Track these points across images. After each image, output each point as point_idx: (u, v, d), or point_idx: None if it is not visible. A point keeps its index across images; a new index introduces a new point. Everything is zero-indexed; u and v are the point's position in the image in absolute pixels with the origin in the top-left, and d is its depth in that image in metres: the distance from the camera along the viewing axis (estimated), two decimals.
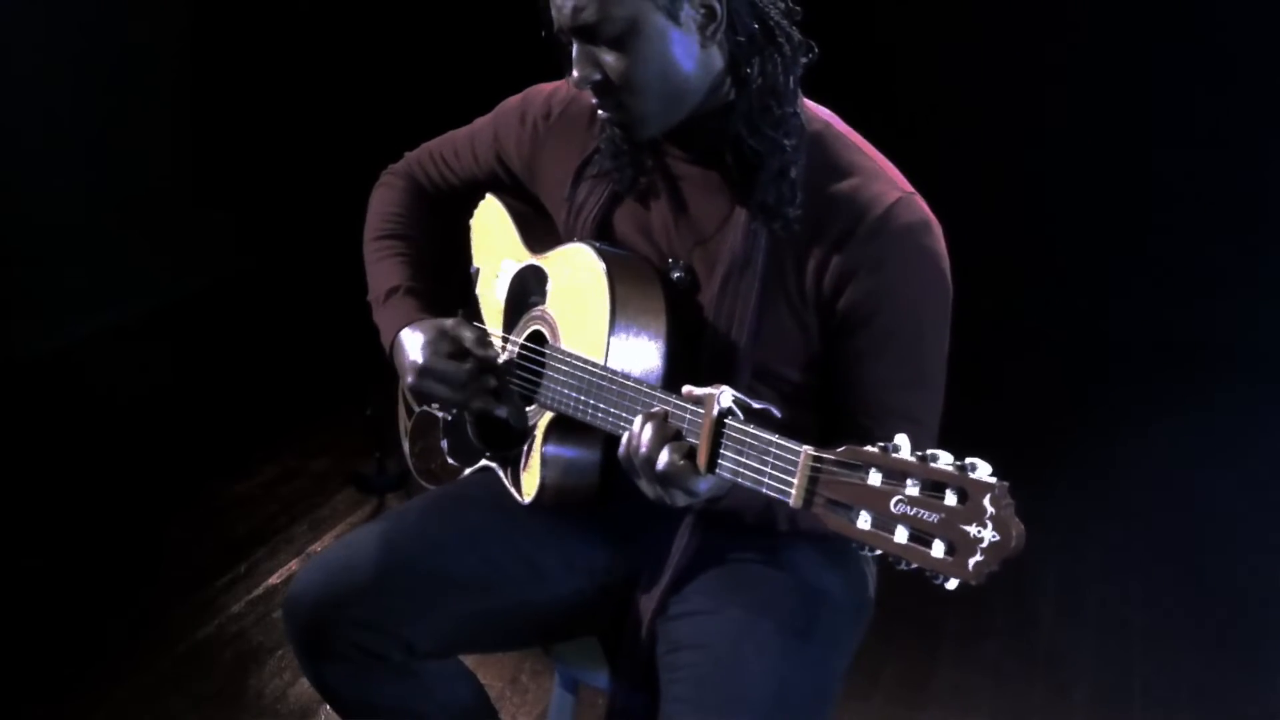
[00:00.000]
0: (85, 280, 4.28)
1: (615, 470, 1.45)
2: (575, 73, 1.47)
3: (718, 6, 1.43)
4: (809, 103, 1.54)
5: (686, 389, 1.36)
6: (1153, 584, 3.03)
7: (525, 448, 1.61)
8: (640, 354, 1.50)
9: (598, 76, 1.46)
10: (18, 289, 4.04)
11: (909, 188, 1.50)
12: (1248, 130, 4.32)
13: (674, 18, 1.42)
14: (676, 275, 1.57)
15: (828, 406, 1.56)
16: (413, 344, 1.65)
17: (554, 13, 1.46)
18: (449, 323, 1.66)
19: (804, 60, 1.48)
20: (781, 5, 1.47)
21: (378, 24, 5.20)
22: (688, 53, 1.44)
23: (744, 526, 1.55)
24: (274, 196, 5.04)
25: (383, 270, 1.80)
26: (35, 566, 2.94)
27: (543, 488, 1.58)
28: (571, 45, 1.48)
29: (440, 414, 1.80)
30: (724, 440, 1.31)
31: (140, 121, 4.54)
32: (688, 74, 1.45)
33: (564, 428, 1.56)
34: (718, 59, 1.47)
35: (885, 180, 1.48)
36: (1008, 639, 2.76)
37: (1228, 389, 4.01)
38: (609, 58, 1.44)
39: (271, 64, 4.99)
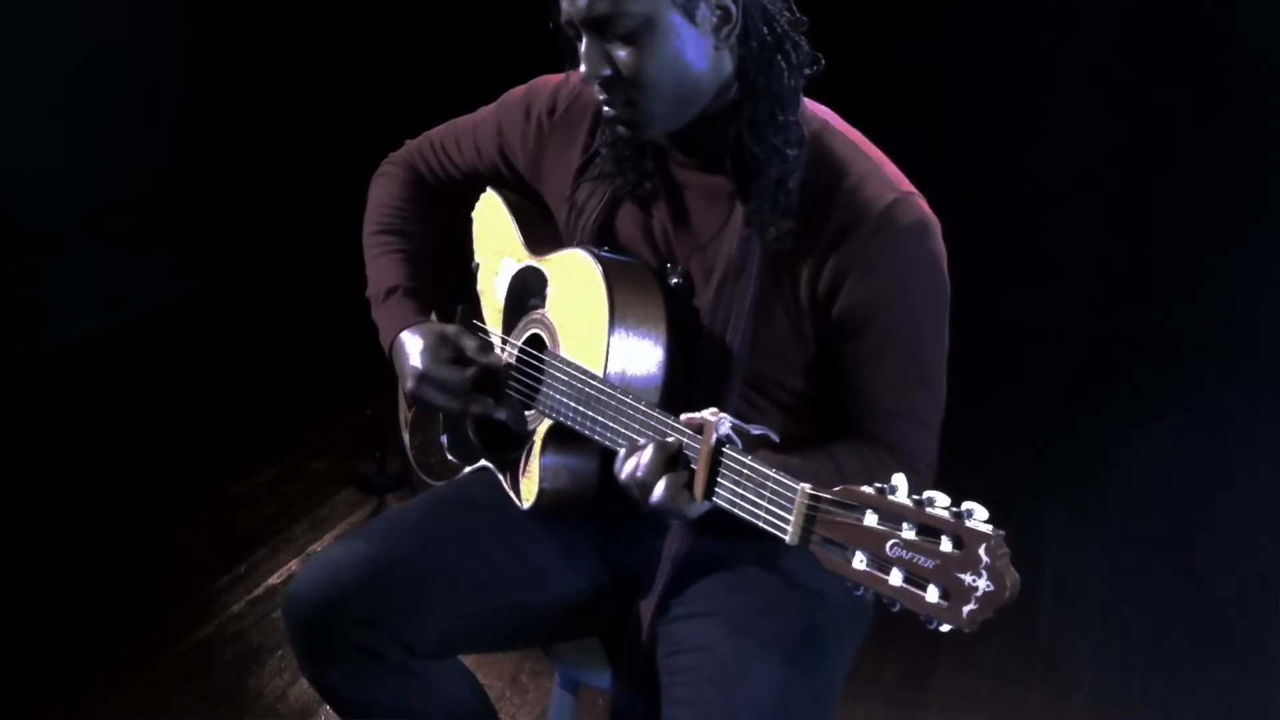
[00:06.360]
0: (85, 280, 4.28)
1: (613, 475, 1.44)
2: (584, 67, 1.44)
3: (733, 9, 1.41)
4: (807, 101, 1.52)
5: (686, 416, 1.35)
6: (1153, 584, 3.03)
7: (524, 453, 1.61)
8: (639, 364, 1.49)
9: (608, 72, 1.42)
10: (18, 289, 4.04)
11: (908, 187, 1.47)
12: (1247, 129, 4.32)
13: (690, 16, 1.40)
14: (674, 280, 1.56)
15: (829, 412, 1.54)
16: (412, 348, 1.64)
17: (564, 4, 1.43)
18: (450, 329, 1.66)
19: (809, 72, 1.47)
20: (788, 15, 1.46)
21: (377, 23, 5.19)
22: (701, 53, 1.42)
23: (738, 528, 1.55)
24: (273, 196, 5.04)
25: (382, 267, 1.78)
26: (35, 566, 2.94)
27: (541, 494, 1.58)
28: (580, 38, 1.44)
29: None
30: (721, 470, 1.30)
31: (140, 121, 4.54)
32: (699, 74, 1.43)
33: (563, 436, 1.55)
34: (728, 62, 1.45)
35: (882, 180, 1.46)
36: (1007, 639, 2.75)
37: (1226, 388, 4.02)
38: (621, 53, 1.41)
39: (271, 64, 4.99)
